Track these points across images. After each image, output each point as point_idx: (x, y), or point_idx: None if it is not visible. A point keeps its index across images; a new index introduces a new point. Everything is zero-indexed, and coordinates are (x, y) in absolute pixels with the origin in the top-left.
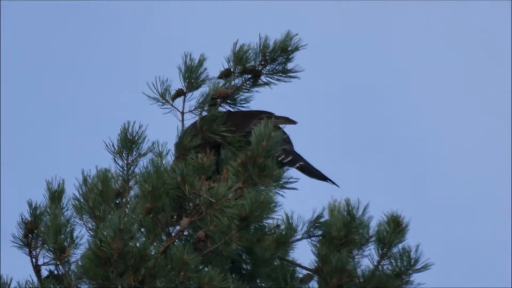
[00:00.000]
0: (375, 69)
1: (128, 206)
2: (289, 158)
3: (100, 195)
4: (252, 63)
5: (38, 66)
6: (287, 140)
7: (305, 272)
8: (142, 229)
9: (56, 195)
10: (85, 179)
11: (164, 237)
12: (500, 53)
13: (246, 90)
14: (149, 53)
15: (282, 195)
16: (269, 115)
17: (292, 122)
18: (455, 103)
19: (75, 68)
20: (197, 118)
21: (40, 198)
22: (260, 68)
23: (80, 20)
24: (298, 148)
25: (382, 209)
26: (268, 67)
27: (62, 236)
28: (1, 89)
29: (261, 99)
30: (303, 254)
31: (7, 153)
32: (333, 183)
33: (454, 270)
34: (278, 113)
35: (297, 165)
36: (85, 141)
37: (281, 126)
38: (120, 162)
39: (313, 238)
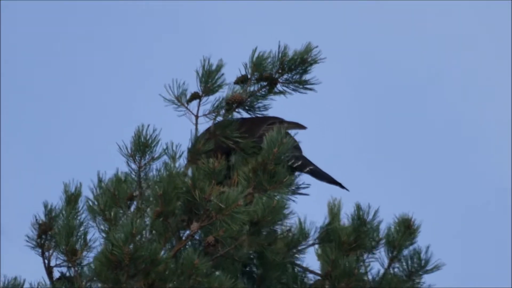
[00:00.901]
0: (385, 73)
1: (140, 209)
2: (299, 163)
3: (112, 198)
4: (269, 71)
5: (50, 67)
6: (296, 146)
7: (315, 276)
8: (154, 232)
9: (72, 198)
10: (100, 181)
11: (174, 241)
12: (500, 53)
13: (261, 97)
14: (167, 55)
15: (294, 201)
16: (279, 120)
17: (302, 127)
18: (457, 103)
19: (91, 69)
20: (211, 123)
21: (57, 200)
22: (277, 76)
23: (96, 20)
24: (308, 152)
25: (393, 211)
26: (285, 76)
27: (74, 239)
28: (3, 89)
29: (275, 104)
30: (311, 259)
31: (22, 154)
32: (343, 187)
33: (465, 270)
34: (288, 118)
35: (307, 169)
36: (101, 143)
37: (291, 131)
38: (133, 165)
39: (324, 244)
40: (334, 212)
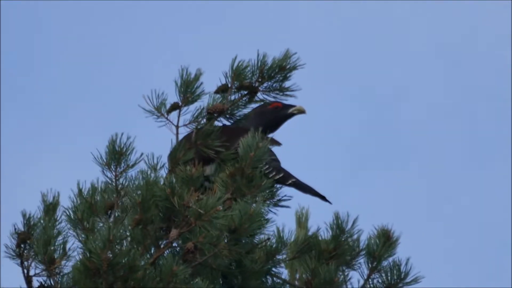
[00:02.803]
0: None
1: (118, 218)
2: (281, 175)
3: (90, 207)
4: (249, 79)
5: (34, 70)
6: (275, 158)
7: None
8: (132, 241)
9: (50, 208)
10: (80, 191)
11: (153, 249)
12: (500, 53)
13: (242, 106)
14: (146, 65)
15: (275, 213)
16: (254, 129)
17: (277, 143)
18: (452, 105)
19: (73, 75)
20: (191, 131)
21: (34, 209)
22: (257, 84)
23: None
24: (289, 164)
25: (373, 222)
26: (265, 84)
27: (52, 248)
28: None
29: None
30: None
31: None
32: (326, 200)
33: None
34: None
35: (290, 181)
36: (83, 152)
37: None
38: (109, 174)
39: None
40: (301, 221)
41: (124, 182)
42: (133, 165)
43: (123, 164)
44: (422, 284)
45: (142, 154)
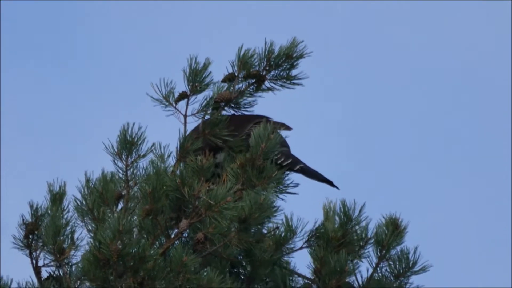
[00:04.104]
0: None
1: (128, 208)
2: (289, 161)
3: (100, 197)
4: (257, 68)
5: (38, 67)
6: (284, 144)
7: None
8: (142, 231)
9: (57, 197)
10: (87, 181)
11: (163, 239)
12: (500, 53)
13: (249, 95)
14: (155, 54)
15: (283, 199)
16: (266, 119)
17: (288, 128)
18: (451, 104)
19: (77, 69)
20: (199, 121)
21: (42, 199)
22: (264, 73)
23: (81, 20)
24: (297, 151)
25: (381, 210)
26: (272, 73)
27: (61, 238)
28: (2, 89)
29: (263, 102)
30: (302, 255)
31: (10, 154)
32: (334, 185)
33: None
34: (276, 115)
35: (297, 167)
36: (90, 143)
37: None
38: (120, 164)
39: (312, 243)
40: (329, 216)
41: (135, 171)
42: (144, 155)
43: (134, 154)
44: (430, 273)
45: (153, 144)
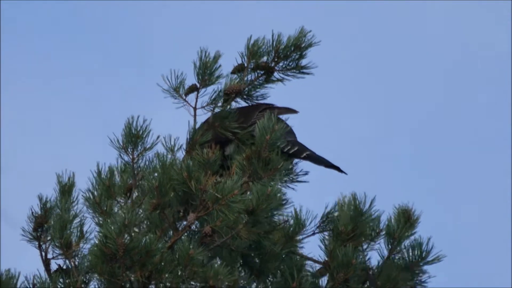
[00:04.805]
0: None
1: (135, 201)
2: (295, 149)
3: (107, 190)
4: (265, 59)
5: (44, 60)
6: (290, 132)
7: (313, 266)
8: (147, 223)
9: (66, 189)
10: (99, 173)
11: (171, 233)
12: (500, 53)
13: (259, 86)
14: (164, 48)
15: (293, 189)
16: (270, 106)
17: (294, 111)
18: (448, 103)
19: (87, 63)
20: (209, 114)
21: (51, 192)
22: (273, 64)
23: (91, 16)
24: (302, 137)
25: (393, 201)
26: (281, 64)
27: (68, 232)
28: (2, 85)
29: (273, 91)
30: (312, 248)
31: (14, 149)
32: (341, 170)
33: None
34: (282, 103)
35: (304, 154)
36: (98, 136)
37: (283, 116)
38: (126, 158)
39: (324, 233)
40: (344, 209)
41: (142, 164)
42: (150, 148)
43: (139, 147)
44: (443, 263)
45: (158, 136)
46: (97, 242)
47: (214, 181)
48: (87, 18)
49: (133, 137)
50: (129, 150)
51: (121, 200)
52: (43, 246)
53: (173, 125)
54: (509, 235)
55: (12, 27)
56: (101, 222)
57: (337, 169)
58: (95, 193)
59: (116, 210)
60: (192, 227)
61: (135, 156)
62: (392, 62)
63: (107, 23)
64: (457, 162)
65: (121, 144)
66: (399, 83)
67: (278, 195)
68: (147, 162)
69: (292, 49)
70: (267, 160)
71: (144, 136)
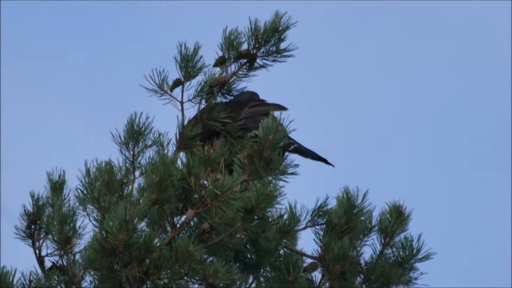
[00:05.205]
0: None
1: (134, 197)
2: (285, 141)
3: (106, 186)
4: (246, 47)
5: (37, 60)
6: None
7: (309, 261)
8: (147, 220)
9: (57, 186)
10: (88, 170)
11: (169, 229)
12: (500, 53)
13: (243, 75)
14: (143, 45)
15: (285, 181)
16: (260, 102)
17: (283, 108)
18: (447, 100)
19: (77, 62)
20: (196, 107)
21: (42, 189)
22: (254, 51)
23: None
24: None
25: (385, 197)
26: (262, 49)
27: (67, 227)
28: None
29: (258, 85)
30: (307, 243)
31: (8, 146)
32: (328, 162)
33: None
34: (269, 96)
35: (292, 147)
36: (86, 134)
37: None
38: (126, 153)
39: (316, 227)
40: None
41: (141, 161)
42: (151, 145)
43: (141, 144)
44: (433, 261)
45: (160, 134)
46: (95, 237)
47: (214, 178)
48: (87, 18)
49: (135, 134)
50: (130, 146)
51: (118, 196)
52: (37, 244)
53: (161, 122)
54: (509, 235)
55: (11, 27)
56: (99, 217)
57: (324, 161)
58: (92, 188)
59: (114, 206)
60: (190, 224)
61: (135, 153)
62: (382, 50)
63: (107, 23)
64: (457, 162)
65: (123, 139)
66: (389, 71)
67: (276, 193)
68: (146, 159)
69: (271, 33)
70: (269, 160)
71: (146, 133)
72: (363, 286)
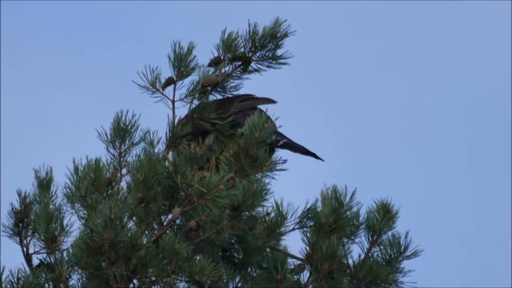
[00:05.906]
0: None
1: (120, 195)
2: (273, 137)
3: (93, 184)
4: (242, 50)
5: (34, 58)
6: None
7: (296, 262)
8: (134, 218)
9: (44, 184)
10: (76, 168)
11: (156, 227)
12: (500, 53)
13: (236, 77)
14: (139, 43)
15: (273, 178)
16: (249, 96)
17: (272, 101)
18: (447, 100)
19: (69, 59)
20: (188, 107)
21: (29, 187)
22: (250, 54)
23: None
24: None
25: (373, 196)
26: (258, 54)
27: (54, 225)
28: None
29: (252, 86)
30: (294, 241)
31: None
32: (318, 157)
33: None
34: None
35: (281, 142)
36: (76, 131)
37: (262, 106)
38: (113, 151)
39: (305, 229)
40: (327, 201)
41: (128, 159)
42: (137, 143)
43: (127, 142)
44: (420, 258)
45: (146, 132)
46: (81, 236)
47: (200, 175)
48: (86, 18)
49: (121, 131)
50: (116, 144)
51: (105, 195)
52: (24, 241)
53: (152, 120)
54: (509, 235)
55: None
56: (86, 215)
57: (314, 155)
58: (80, 186)
59: (100, 204)
60: (177, 222)
61: (122, 151)
62: (376, 52)
63: (107, 23)
64: (456, 161)
65: (109, 137)
66: (383, 74)
67: (264, 191)
68: (133, 157)
69: (268, 39)
70: (255, 157)
71: (132, 130)
72: (351, 284)
